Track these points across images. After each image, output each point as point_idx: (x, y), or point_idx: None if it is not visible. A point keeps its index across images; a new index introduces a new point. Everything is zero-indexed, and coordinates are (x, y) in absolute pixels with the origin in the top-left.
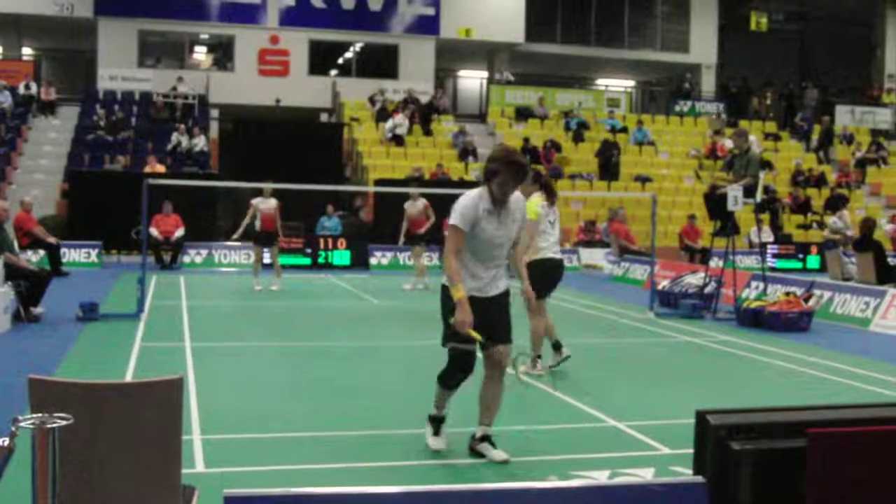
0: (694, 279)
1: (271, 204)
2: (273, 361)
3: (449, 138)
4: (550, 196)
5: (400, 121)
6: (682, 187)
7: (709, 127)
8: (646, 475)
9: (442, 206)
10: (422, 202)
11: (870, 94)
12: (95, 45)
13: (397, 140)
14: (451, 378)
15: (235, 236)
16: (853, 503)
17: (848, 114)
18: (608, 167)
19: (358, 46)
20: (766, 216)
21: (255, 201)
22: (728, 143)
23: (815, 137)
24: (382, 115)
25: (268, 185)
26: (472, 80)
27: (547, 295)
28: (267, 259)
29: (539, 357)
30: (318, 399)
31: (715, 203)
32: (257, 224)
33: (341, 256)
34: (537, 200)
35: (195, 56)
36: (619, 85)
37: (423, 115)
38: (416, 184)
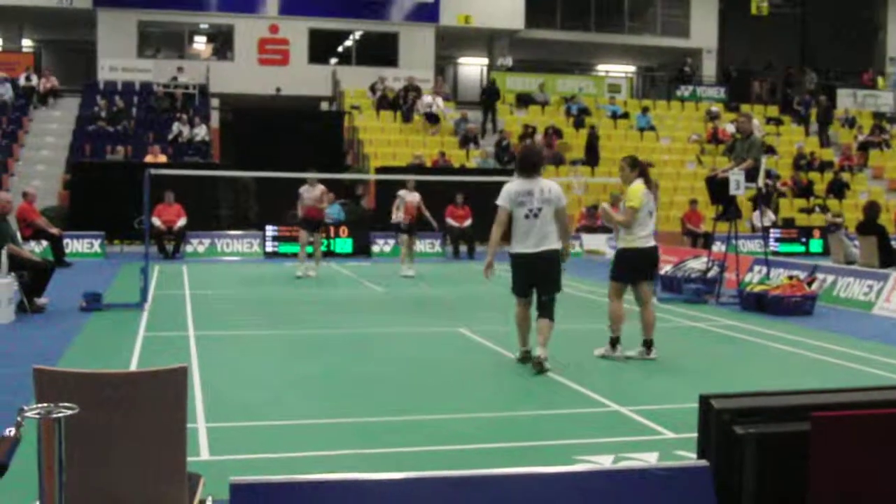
0: (697, 264)
1: (316, 192)
2: (277, 349)
3: (450, 125)
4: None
5: (439, 101)
6: (683, 172)
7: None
8: (650, 459)
9: (437, 194)
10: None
11: (869, 78)
12: (95, 35)
13: (432, 118)
14: None
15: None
16: (857, 486)
17: (850, 97)
18: (593, 152)
19: (357, 34)
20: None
21: (301, 189)
22: (729, 128)
23: (813, 121)
24: (383, 102)
25: (312, 175)
26: (472, 66)
27: (629, 281)
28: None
29: (617, 340)
30: (322, 386)
31: (717, 187)
32: (300, 211)
33: (343, 244)
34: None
35: (195, 46)
36: (619, 70)
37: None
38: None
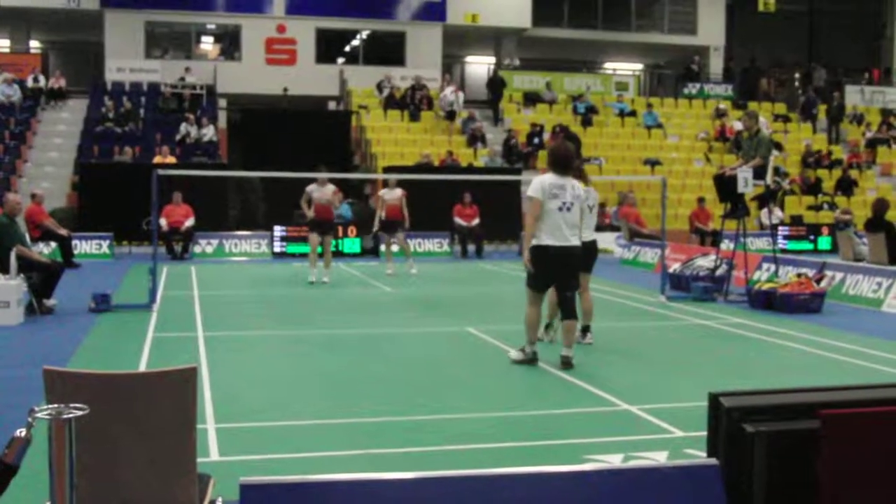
0: (705, 262)
1: (327, 191)
2: (285, 350)
3: (458, 124)
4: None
5: (461, 98)
6: (691, 170)
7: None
8: (659, 458)
9: (449, 192)
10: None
11: (875, 74)
12: (102, 37)
13: (451, 115)
14: None
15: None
16: (867, 483)
17: (858, 93)
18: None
19: (365, 34)
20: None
21: (309, 188)
22: (737, 125)
23: (821, 118)
24: (390, 102)
25: (323, 175)
26: (479, 65)
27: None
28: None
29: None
30: (332, 386)
31: (725, 185)
32: (310, 212)
33: (352, 244)
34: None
35: (202, 46)
36: (627, 68)
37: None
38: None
